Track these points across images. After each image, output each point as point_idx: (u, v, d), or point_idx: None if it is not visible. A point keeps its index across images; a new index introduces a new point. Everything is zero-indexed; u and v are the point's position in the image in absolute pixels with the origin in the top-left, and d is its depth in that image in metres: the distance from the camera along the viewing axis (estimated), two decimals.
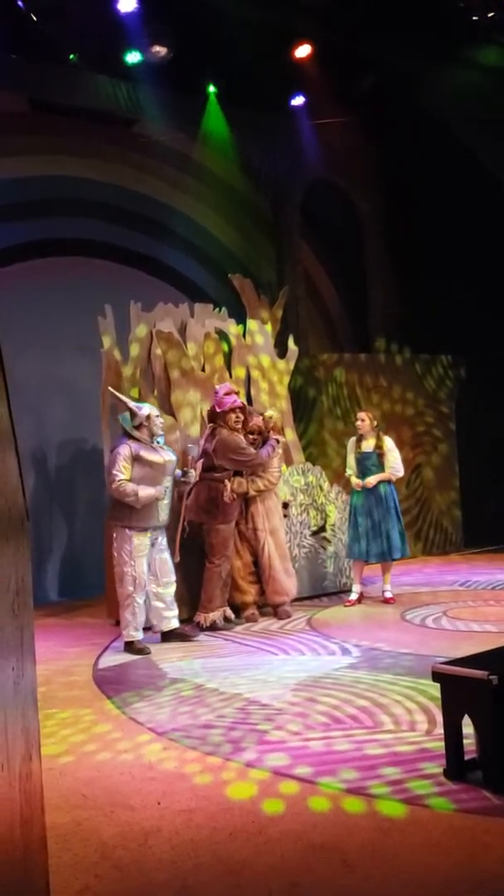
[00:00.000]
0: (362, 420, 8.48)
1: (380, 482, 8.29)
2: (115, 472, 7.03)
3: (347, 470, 8.66)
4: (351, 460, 8.52)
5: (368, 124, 12.02)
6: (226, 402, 7.75)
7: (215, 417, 7.80)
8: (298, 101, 11.67)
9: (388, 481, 8.35)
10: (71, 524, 10.30)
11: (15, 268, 9.92)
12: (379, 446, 8.37)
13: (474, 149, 11.26)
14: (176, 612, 7.37)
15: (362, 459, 8.39)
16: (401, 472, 8.46)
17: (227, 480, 7.63)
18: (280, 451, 8.09)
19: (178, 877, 3.28)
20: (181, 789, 4.11)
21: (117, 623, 8.04)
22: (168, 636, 7.26)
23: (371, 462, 8.35)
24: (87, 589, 9.62)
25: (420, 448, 11.76)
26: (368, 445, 8.40)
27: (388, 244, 12.93)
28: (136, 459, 7.07)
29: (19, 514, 2.76)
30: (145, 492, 7.00)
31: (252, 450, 7.76)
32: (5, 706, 2.57)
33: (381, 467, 8.33)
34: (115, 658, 6.93)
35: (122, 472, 7.02)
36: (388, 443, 8.47)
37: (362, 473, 8.39)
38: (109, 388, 7.99)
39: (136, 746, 4.76)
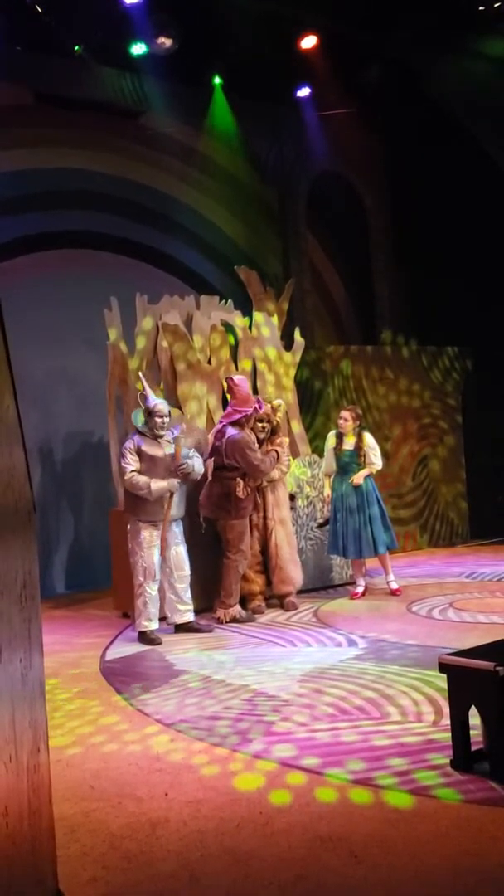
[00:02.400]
0: (344, 420, 8.41)
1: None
2: (124, 465, 7.14)
3: (323, 466, 8.65)
4: (330, 460, 8.46)
5: (374, 116, 11.98)
6: (252, 404, 7.77)
7: (242, 420, 7.74)
8: (304, 92, 11.63)
9: (368, 475, 8.36)
10: (78, 517, 10.32)
11: (20, 260, 9.92)
12: (359, 446, 8.35)
13: (481, 140, 11.21)
14: (190, 605, 7.38)
15: (342, 456, 8.37)
16: (379, 465, 8.44)
17: (239, 477, 7.62)
18: (285, 457, 8.06)
19: (186, 867, 3.30)
20: (188, 780, 4.12)
21: (125, 615, 8.08)
22: (181, 629, 7.28)
23: (352, 460, 8.34)
24: (95, 581, 9.64)
25: (426, 440, 11.74)
26: (349, 444, 8.37)
27: (394, 236, 12.89)
28: (139, 453, 7.13)
29: (26, 506, 2.77)
30: (157, 485, 7.05)
31: (260, 454, 7.73)
32: (13, 698, 2.58)
33: (360, 464, 8.32)
34: (122, 650, 6.95)
35: (132, 464, 7.09)
36: (369, 440, 8.40)
37: (342, 470, 8.38)
38: (140, 373, 7.97)
39: (143, 738, 4.78)
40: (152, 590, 7.14)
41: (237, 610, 7.69)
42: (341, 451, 8.37)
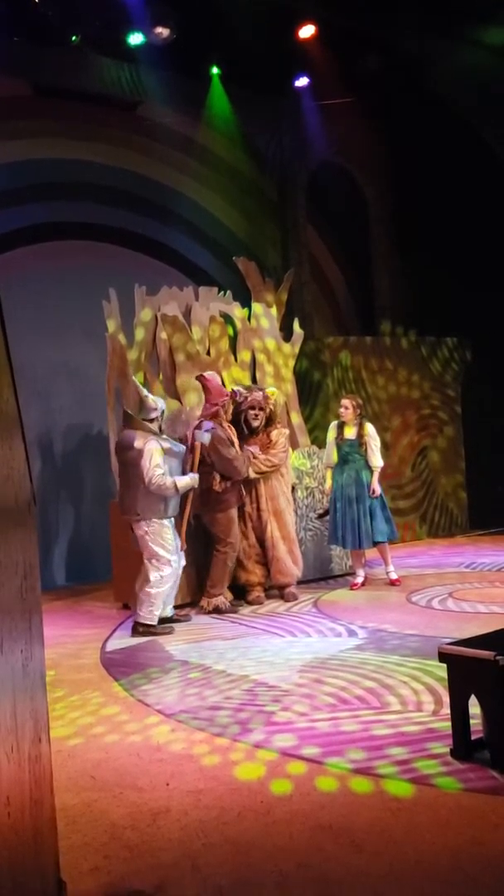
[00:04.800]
0: (345, 408, 8.39)
1: (361, 471, 8.29)
2: (155, 467, 7.00)
3: (325, 458, 8.63)
4: (331, 452, 8.46)
5: (374, 105, 11.94)
6: (224, 396, 7.83)
7: (216, 412, 7.80)
8: (303, 82, 11.60)
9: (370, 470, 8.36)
10: (78, 509, 10.33)
11: (19, 252, 9.91)
12: (361, 435, 8.34)
13: (481, 130, 11.18)
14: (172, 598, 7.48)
15: (343, 446, 8.37)
16: (381, 463, 8.42)
17: (215, 471, 7.65)
18: (281, 450, 8.04)
19: (187, 857, 3.31)
20: (189, 770, 4.13)
21: (125, 606, 8.09)
22: (161, 621, 7.31)
23: (353, 449, 8.34)
24: (94, 573, 9.66)
25: (426, 431, 11.75)
26: (351, 433, 8.36)
27: (394, 226, 12.87)
28: (165, 452, 7.16)
29: (26, 499, 2.76)
30: (182, 481, 7.14)
31: (235, 451, 7.69)
32: (14, 689, 2.58)
33: (361, 454, 8.32)
34: (122, 641, 6.96)
35: (162, 466, 7.07)
36: (370, 430, 8.39)
37: (342, 461, 8.38)
38: (133, 378, 8.01)
39: (144, 728, 4.79)
40: (168, 585, 7.20)
41: (220, 600, 7.72)
42: (342, 441, 8.37)
